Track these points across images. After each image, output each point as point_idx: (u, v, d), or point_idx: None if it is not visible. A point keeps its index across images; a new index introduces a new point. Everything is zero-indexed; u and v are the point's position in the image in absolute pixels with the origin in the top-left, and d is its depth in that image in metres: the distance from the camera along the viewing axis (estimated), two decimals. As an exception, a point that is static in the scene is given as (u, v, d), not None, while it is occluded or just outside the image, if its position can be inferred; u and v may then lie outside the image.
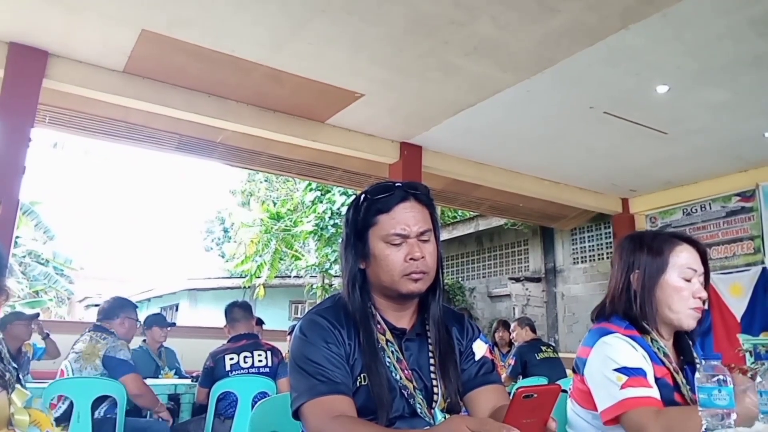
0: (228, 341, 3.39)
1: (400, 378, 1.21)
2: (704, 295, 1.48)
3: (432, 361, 1.26)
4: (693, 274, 1.47)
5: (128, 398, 2.88)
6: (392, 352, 1.23)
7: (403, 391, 1.21)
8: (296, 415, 1.16)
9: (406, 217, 1.22)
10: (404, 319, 1.29)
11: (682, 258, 1.47)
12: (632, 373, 1.31)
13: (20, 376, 2.84)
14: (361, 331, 1.22)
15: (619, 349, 1.37)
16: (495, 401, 1.23)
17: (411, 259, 1.20)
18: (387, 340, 1.24)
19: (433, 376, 1.25)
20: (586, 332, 1.51)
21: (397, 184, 1.26)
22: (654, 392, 1.31)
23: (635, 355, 1.36)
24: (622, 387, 1.30)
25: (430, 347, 1.27)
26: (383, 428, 1.11)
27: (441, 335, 1.27)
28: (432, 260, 1.23)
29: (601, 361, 1.37)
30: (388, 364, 1.21)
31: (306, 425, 1.14)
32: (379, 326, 1.25)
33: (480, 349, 1.32)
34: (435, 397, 1.24)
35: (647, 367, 1.35)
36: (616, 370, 1.33)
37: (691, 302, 1.45)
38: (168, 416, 3.18)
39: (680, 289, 1.45)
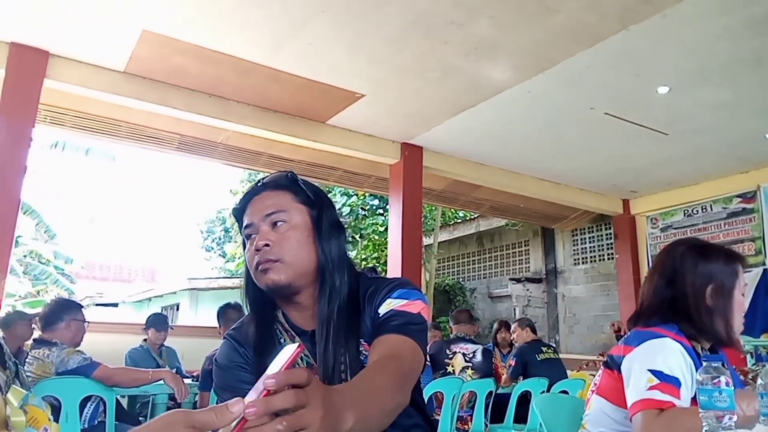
0: (226, 342, 3.38)
1: None
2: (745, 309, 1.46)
3: (342, 359, 1.10)
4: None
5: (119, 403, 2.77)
6: (301, 357, 1.12)
7: None
8: None
9: (255, 207, 1.15)
10: (312, 321, 1.16)
11: (742, 273, 1.44)
12: (666, 379, 1.27)
13: (19, 371, 2.83)
14: (253, 348, 1.14)
15: (666, 353, 1.33)
16: (374, 355, 1.02)
17: (256, 249, 1.10)
18: None
19: (343, 376, 1.08)
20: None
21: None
22: (681, 403, 1.26)
23: (679, 363, 1.31)
24: (649, 388, 1.27)
25: (341, 348, 1.10)
26: None
27: (329, 335, 1.10)
28: (289, 245, 1.10)
29: (642, 359, 1.34)
30: None
31: None
32: (288, 333, 1.16)
33: (387, 306, 1.11)
34: None
35: (687, 378, 1.30)
36: (651, 371, 1.29)
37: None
38: (172, 379, 3.09)
39: (742, 305, 1.42)
